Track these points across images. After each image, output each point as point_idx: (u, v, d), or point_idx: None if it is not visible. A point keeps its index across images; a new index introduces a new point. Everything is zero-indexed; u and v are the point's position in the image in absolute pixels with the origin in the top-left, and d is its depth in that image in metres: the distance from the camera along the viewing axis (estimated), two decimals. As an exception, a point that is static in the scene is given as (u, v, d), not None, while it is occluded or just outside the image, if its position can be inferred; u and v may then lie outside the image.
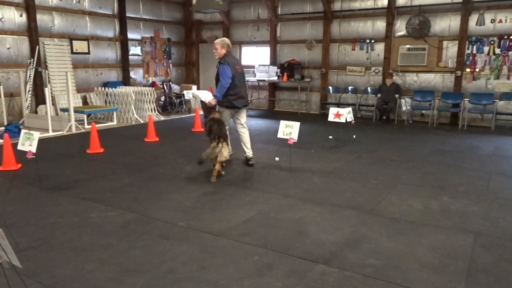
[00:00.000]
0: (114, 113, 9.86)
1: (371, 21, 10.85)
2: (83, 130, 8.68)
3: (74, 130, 8.59)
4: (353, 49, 11.17)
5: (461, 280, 2.87)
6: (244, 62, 13.10)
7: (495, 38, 9.38)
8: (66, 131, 8.50)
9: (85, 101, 10.59)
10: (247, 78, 11.93)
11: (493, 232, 3.69)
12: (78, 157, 6.44)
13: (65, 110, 9.07)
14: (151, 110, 10.40)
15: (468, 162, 6.26)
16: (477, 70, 9.68)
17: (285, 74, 11.58)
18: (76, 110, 8.98)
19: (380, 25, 10.70)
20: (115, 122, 9.81)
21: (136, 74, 12.19)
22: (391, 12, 10.35)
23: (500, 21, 9.33)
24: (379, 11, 10.61)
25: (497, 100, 9.35)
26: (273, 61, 12.31)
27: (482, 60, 9.61)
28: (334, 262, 3.11)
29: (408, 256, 3.22)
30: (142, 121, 9.96)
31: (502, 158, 6.51)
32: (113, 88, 10.27)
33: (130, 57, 11.77)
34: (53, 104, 9.45)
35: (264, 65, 11.99)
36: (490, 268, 3.05)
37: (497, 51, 9.39)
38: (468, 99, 9.59)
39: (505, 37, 9.25)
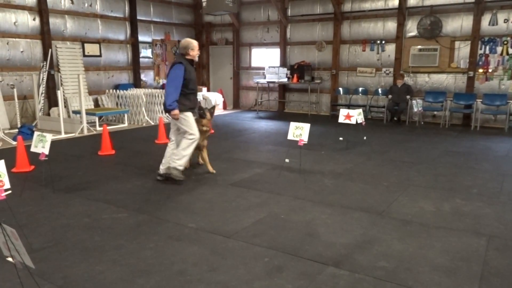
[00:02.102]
0: (125, 115, 9.94)
1: (382, 21, 10.78)
2: (94, 132, 8.77)
3: (86, 132, 8.68)
4: (364, 50, 11.11)
5: (474, 284, 2.82)
6: (254, 63, 13.14)
7: (509, 38, 9.24)
8: (78, 133, 8.59)
9: (96, 103, 10.70)
10: (257, 80, 12.01)
11: (507, 235, 3.63)
12: (90, 159, 6.51)
13: (77, 112, 9.18)
14: (162, 112, 10.46)
15: (481, 164, 6.17)
16: (490, 70, 9.56)
17: (295, 75, 11.56)
18: (88, 112, 9.07)
19: (391, 25, 10.62)
20: (126, 124, 9.89)
21: (147, 76, 12.29)
22: (402, 13, 10.27)
23: (514, 20, 9.20)
24: (389, 12, 10.54)
25: (511, 101, 9.21)
26: (283, 63, 12.30)
27: (495, 60, 9.48)
28: (344, 264, 3.09)
29: (419, 258, 3.18)
30: (152, 123, 10.03)
31: (516, 160, 6.41)
32: (124, 90, 10.36)
33: (140, 59, 11.86)
34: (65, 106, 9.56)
35: (274, 67, 11.98)
36: (504, 271, 3.00)
37: (511, 51, 9.25)
38: (480, 100, 9.47)
39: (519, 37, 9.13)
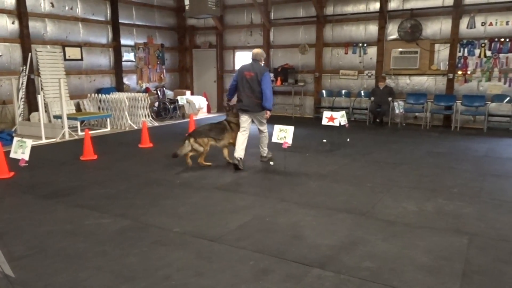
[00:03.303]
0: (108, 120, 9.82)
1: (364, 25, 10.92)
2: (76, 137, 8.64)
3: (67, 137, 8.54)
4: (346, 53, 11.23)
5: (456, 282, 2.88)
6: (237, 67, 13.12)
7: (486, 41, 9.48)
8: (59, 138, 8.45)
9: (78, 107, 10.55)
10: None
11: (487, 233, 3.71)
12: (72, 164, 6.40)
13: (58, 117, 9.03)
14: (145, 116, 10.38)
15: (462, 164, 6.30)
16: (468, 72, 9.77)
17: (279, 78, 11.62)
18: (69, 117, 8.94)
19: (373, 29, 10.77)
20: (108, 129, 9.77)
21: (130, 80, 12.17)
22: (383, 16, 10.43)
23: (491, 24, 9.43)
24: (371, 15, 10.69)
25: (489, 102, 9.43)
26: (267, 66, 12.30)
27: (473, 62, 9.70)
28: (330, 265, 3.11)
29: (403, 258, 3.23)
30: (136, 127, 9.93)
31: (495, 160, 6.56)
32: (107, 95, 10.24)
33: (123, 63, 11.74)
34: (46, 111, 9.40)
35: (257, 70, 12.00)
36: (485, 269, 3.06)
37: (488, 53, 9.49)
38: (460, 101, 9.67)
39: (496, 39, 9.35)
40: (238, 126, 6.19)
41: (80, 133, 8.90)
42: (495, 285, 2.84)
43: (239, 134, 6.10)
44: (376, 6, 10.57)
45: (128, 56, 12.00)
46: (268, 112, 6.09)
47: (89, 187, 5.17)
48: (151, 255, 3.30)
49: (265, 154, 6.46)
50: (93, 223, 3.98)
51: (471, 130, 9.47)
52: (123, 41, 11.69)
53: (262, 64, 6.23)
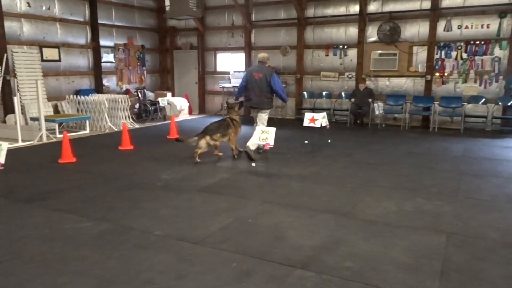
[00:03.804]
0: (87, 122, 9.66)
1: (344, 27, 11.05)
2: (54, 140, 8.47)
3: (45, 140, 8.36)
4: (327, 55, 11.34)
5: (435, 280, 2.93)
6: (219, 68, 13.12)
7: (462, 44, 9.71)
8: (36, 140, 8.26)
9: (56, 109, 10.34)
10: (222, 84, 12.00)
11: (465, 231, 3.80)
12: (50, 167, 6.27)
13: (36, 119, 8.83)
14: (125, 117, 10.25)
15: (440, 164, 6.43)
16: (446, 74, 10.00)
17: (261, 80, 11.63)
18: (47, 119, 8.75)
19: (353, 31, 10.91)
20: (88, 131, 9.62)
21: (110, 81, 12.00)
22: (363, 19, 10.57)
23: (466, 27, 9.67)
24: (351, 18, 10.82)
25: (465, 103, 9.66)
26: (249, 67, 12.33)
27: (450, 64, 9.93)
28: (312, 266, 3.12)
29: (384, 257, 3.27)
30: (116, 129, 9.80)
31: (472, 159, 6.72)
32: (86, 96, 10.07)
33: (103, 64, 11.57)
34: (22, 113, 9.19)
35: (239, 71, 12.01)
36: (463, 266, 3.13)
37: (464, 56, 9.72)
38: (438, 103, 9.88)
39: (471, 42, 9.60)
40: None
41: (58, 135, 8.72)
42: (473, 282, 2.90)
43: (257, 127, 6.56)
44: (356, 8, 10.70)
45: (107, 57, 11.83)
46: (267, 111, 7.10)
47: (68, 191, 5.07)
48: (132, 259, 3.25)
49: (248, 146, 6.60)
50: (72, 227, 3.91)
51: (448, 131, 9.68)
52: (103, 42, 11.52)
53: (268, 65, 7.11)
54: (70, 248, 3.46)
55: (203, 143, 6.57)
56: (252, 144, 6.49)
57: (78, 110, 10.11)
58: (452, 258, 3.27)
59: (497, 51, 9.44)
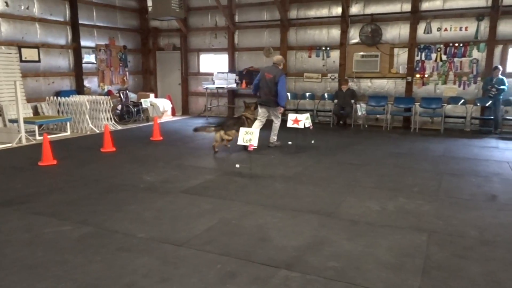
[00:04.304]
0: (68, 123, 9.50)
1: (326, 29, 11.14)
2: (34, 142, 8.30)
3: (24, 142, 8.19)
4: (310, 56, 11.42)
5: (417, 278, 2.98)
6: (202, 69, 13.08)
7: (442, 46, 9.91)
8: (15, 143, 8.08)
9: (36, 111, 10.13)
10: (206, 86, 11.96)
11: (445, 230, 3.87)
12: (29, 170, 6.14)
13: (14, 121, 8.64)
14: (107, 119, 10.11)
15: (421, 164, 6.54)
16: (426, 75, 10.18)
17: (244, 81, 11.64)
18: (26, 121, 8.57)
19: (335, 33, 11.01)
20: (68, 133, 9.46)
21: (91, 82, 11.83)
22: (345, 21, 10.68)
23: (446, 29, 9.87)
24: (333, 20, 10.92)
25: (445, 104, 9.85)
26: (232, 69, 12.34)
27: (430, 66, 10.12)
28: (296, 266, 3.14)
29: (367, 257, 3.31)
30: (98, 131, 9.66)
31: (452, 159, 6.86)
32: (66, 97, 9.90)
33: (84, 65, 11.39)
34: (0, 115, 8.98)
35: (222, 73, 12.00)
36: (443, 264, 3.19)
37: (444, 57, 9.92)
38: (419, 104, 10.05)
39: (450, 44, 9.80)
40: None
41: (38, 137, 8.55)
42: (453, 280, 2.96)
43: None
44: (338, 10, 10.81)
45: (88, 58, 11.65)
46: (281, 108, 7.65)
47: (48, 194, 4.97)
48: (115, 262, 3.21)
49: (272, 141, 7.80)
50: (53, 231, 3.83)
51: (429, 131, 9.86)
52: (84, 43, 11.35)
53: (280, 68, 7.65)
54: (51, 252, 3.39)
55: (218, 136, 7.22)
56: (272, 138, 7.69)
57: (58, 111, 9.93)
58: (433, 256, 3.33)
59: (475, 53, 9.66)
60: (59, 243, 3.57)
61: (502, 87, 9.03)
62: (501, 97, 9.12)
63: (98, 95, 10.79)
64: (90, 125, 9.77)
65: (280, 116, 7.81)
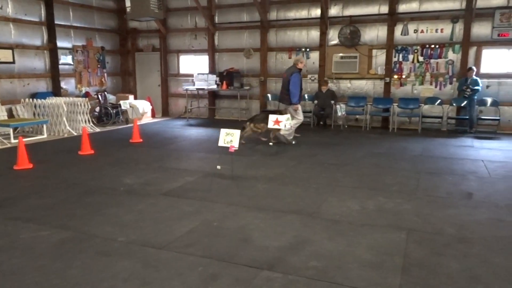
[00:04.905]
0: (44, 126, 9.29)
1: (306, 30, 11.23)
2: (9, 145, 8.09)
3: (-1, 145, 7.97)
4: (290, 57, 11.46)
5: (397, 275, 3.03)
6: (182, 70, 12.99)
7: (418, 47, 10.11)
8: (-11, 146, 7.86)
9: (10, 113, 9.86)
10: (186, 87, 11.89)
11: (424, 227, 3.95)
12: (4, 174, 5.98)
13: (-12, 124, 8.39)
14: (85, 121, 9.94)
15: (400, 163, 6.66)
16: (403, 76, 10.37)
17: (225, 82, 11.62)
18: (1, 124, 8.34)
19: (315, 34, 11.10)
20: (45, 136, 9.25)
21: (68, 84, 11.59)
22: (324, 22, 10.79)
23: (422, 31, 10.08)
24: (313, 21, 11.01)
25: (422, 104, 10.06)
26: (212, 70, 12.30)
27: (407, 67, 10.31)
28: (278, 267, 3.15)
29: (348, 256, 3.35)
30: (75, 133, 9.48)
31: (429, 158, 7.00)
32: (43, 99, 9.69)
33: (60, 66, 11.15)
34: (-27, 117, 8.71)
35: (203, 74, 11.94)
36: (422, 261, 3.25)
37: (421, 59, 10.13)
38: (397, 104, 10.23)
39: (427, 46, 10.01)
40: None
41: (13, 140, 8.33)
42: (433, 276, 3.02)
43: (293, 121, 8.00)
44: (317, 12, 10.91)
45: (65, 59, 11.42)
46: (296, 105, 8.04)
47: (25, 198, 4.85)
48: (94, 267, 3.16)
49: (283, 133, 8.02)
50: (30, 236, 3.74)
51: (407, 131, 10.04)
52: (60, 43, 11.12)
53: (299, 66, 8.02)
54: (28, 258, 3.31)
55: (247, 128, 7.95)
56: (283, 132, 7.99)
57: (34, 114, 9.70)
58: (412, 254, 3.39)
59: (451, 55, 9.90)
60: (36, 249, 3.48)
61: (476, 87, 9.27)
62: (475, 97, 9.37)
63: (75, 97, 10.59)
64: (68, 127, 9.57)
65: (297, 114, 8.14)
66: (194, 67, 12.73)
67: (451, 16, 9.75)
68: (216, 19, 12.17)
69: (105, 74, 12.69)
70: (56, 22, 10.90)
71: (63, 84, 11.33)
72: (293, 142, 8.07)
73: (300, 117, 8.26)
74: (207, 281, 2.95)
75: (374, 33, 10.55)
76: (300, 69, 8.14)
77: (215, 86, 11.71)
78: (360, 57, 10.60)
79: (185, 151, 7.74)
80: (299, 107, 8.19)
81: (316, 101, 10.63)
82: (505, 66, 9.56)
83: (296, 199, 4.82)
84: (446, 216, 4.26)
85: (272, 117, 7.43)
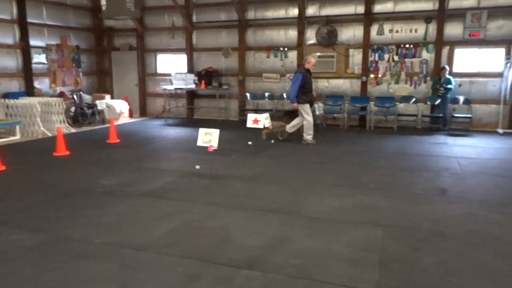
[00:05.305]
0: (17, 127, 9.04)
1: (284, 30, 11.28)
2: (-20, 147, 7.83)
3: (-31, 147, 7.71)
4: (268, 57, 11.51)
5: (374, 270, 3.08)
6: (160, 70, 12.86)
7: (394, 47, 10.30)
8: (-41, 148, 7.59)
9: (-19, 114, 9.56)
10: (164, 86, 11.77)
11: (400, 223, 4.03)
12: (-25, 177, 5.79)
13: (-43, 125, 8.11)
14: (60, 122, 9.72)
15: (377, 161, 6.77)
16: (379, 75, 10.54)
17: (203, 81, 11.55)
18: (-29, 125, 8.07)
19: (292, 33, 11.17)
20: (18, 137, 9.00)
21: (42, 83, 11.30)
22: (301, 22, 10.86)
23: (397, 31, 10.27)
24: (290, 21, 11.07)
25: (398, 103, 10.25)
26: (190, 69, 12.21)
27: (383, 66, 10.49)
28: (258, 266, 3.16)
29: (327, 253, 3.39)
30: (50, 134, 9.26)
31: (405, 155, 7.15)
32: (15, 100, 9.42)
33: (33, 65, 10.87)
34: None
35: (181, 73, 11.84)
36: (399, 257, 3.32)
37: (396, 58, 10.32)
38: (373, 103, 10.40)
39: (402, 45, 10.21)
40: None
41: (-16, 142, 8.08)
42: (408, 271, 3.09)
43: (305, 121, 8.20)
44: (295, 12, 10.97)
45: (39, 58, 11.13)
46: (295, 104, 8.02)
47: (-3, 201, 4.71)
48: (71, 270, 3.09)
49: (305, 138, 8.18)
50: (3, 240, 3.63)
51: (383, 129, 10.22)
52: (33, 42, 10.83)
53: (306, 66, 8.07)
54: (1, 263, 3.21)
55: (275, 124, 8.16)
56: (289, 128, 8.27)
57: (6, 114, 9.42)
58: (389, 249, 3.46)
59: (425, 54, 10.12)
60: (9, 253, 3.39)
61: (449, 86, 9.51)
62: (449, 95, 9.61)
63: (50, 97, 10.34)
64: (42, 128, 9.34)
65: (301, 113, 8.11)
66: (172, 67, 12.61)
67: (425, 17, 9.97)
68: (194, 18, 12.09)
69: (81, 74, 12.43)
70: (29, 20, 10.61)
71: (36, 84, 11.04)
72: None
73: (309, 118, 8.09)
74: (187, 281, 2.93)
75: (350, 33, 10.68)
76: (308, 69, 8.08)
77: (193, 86, 11.64)
78: (337, 56, 10.72)
79: (163, 151, 7.67)
80: (303, 107, 8.01)
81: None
82: (476, 65, 9.85)
83: (276, 198, 4.85)
84: (421, 211, 4.36)
85: (250, 116, 7.44)
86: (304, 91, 7.96)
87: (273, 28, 11.37)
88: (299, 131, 8.44)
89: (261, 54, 11.60)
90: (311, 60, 8.12)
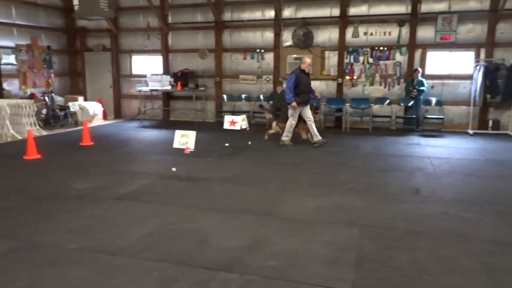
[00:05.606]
0: (-15, 130, 8.72)
1: (260, 31, 11.31)
2: None
3: None
4: (245, 58, 11.51)
5: (351, 270, 3.12)
6: (135, 71, 12.67)
7: (368, 49, 10.48)
8: None
9: None
10: (139, 88, 11.61)
11: (376, 223, 4.09)
12: None
13: None
14: (31, 124, 9.43)
15: (353, 161, 6.86)
16: (355, 77, 10.70)
17: (179, 83, 11.44)
18: None
19: (269, 35, 11.21)
20: (-14, 140, 8.69)
21: (11, 85, 10.94)
22: (278, 24, 10.91)
23: (371, 34, 10.45)
24: (267, 22, 11.11)
25: (373, 104, 10.43)
26: (166, 70, 12.08)
27: (358, 68, 10.65)
28: (235, 268, 3.14)
29: (304, 253, 3.40)
30: (20, 137, 8.97)
31: (380, 156, 7.27)
32: (-17, 102, 9.09)
33: (2, 66, 10.52)
34: None
35: (157, 75, 11.69)
36: (375, 256, 3.37)
37: (370, 60, 10.50)
38: (349, 104, 10.54)
39: (376, 48, 10.40)
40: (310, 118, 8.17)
41: (-51, 146, 7.75)
42: (384, 269, 3.14)
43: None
44: (271, 13, 11.02)
45: (7, 59, 10.76)
46: (293, 104, 7.85)
47: (-37, 207, 4.52)
48: (43, 277, 3.00)
49: (314, 140, 8.16)
50: (-30, 248, 3.49)
51: (359, 130, 10.37)
52: (2, 42, 10.48)
53: (302, 68, 7.97)
54: (-32, 271, 3.09)
55: (274, 126, 8.38)
56: (284, 138, 8.21)
57: (-27, 117, 9.08)
58: (365, 248, 3.50)
59: (398, 56, 10.34)
60: (-23, 261, 3.26)
61: (422, 88, 9.74)
62: (421, 97, 9.83)
63: (20, 99, 10.02)
64: (11, 131, 9.04)
65: (291, 115, 8.04)
66: (148, 68, 12.44)
67: (398, 20, 10.18)
68: (170, 19, 11.97)
69: (52, 75, 12.10)
70: (-3, 19, 10.27)
71: (5, 85, 10.68)
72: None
73: (293, 121, 8.05)
74: (163, 285, 2.89)
75: (326, 35, 10.80)
76: (303, 70, 7.96)
77: (169, 87, 11.50)
78: (313, 58, 10.81)
79: (139, 153, 7.55)
80: (292, 107, 7.90)
81: (271, 102, 10.72)
82: (448, 67, 10.13)
83: (253, 199, 4.84)
84: (396, 211, 4.44)
85: (227, 118, 7.43)
86: (298, 92, 7.82)
87: (249, 30, 11.38)
88: (301, 133, 8.51)
89: (238, 56, 11.59)
90: (306, 61, 8.02)
